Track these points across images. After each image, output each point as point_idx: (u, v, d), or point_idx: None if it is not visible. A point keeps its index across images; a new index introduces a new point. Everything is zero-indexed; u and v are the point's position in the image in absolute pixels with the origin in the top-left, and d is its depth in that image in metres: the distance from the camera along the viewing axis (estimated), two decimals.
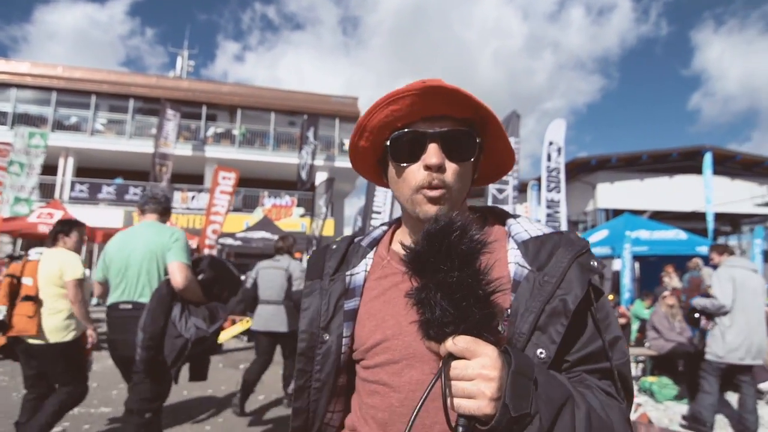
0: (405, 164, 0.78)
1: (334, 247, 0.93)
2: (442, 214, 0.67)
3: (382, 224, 0.97)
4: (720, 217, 22.42)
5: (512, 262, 0.77)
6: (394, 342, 0.77)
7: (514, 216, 0.87)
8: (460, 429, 0.60)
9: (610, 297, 8.67)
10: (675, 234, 10.42)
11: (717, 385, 4.09)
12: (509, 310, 0.72)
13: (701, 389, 4.14)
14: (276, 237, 13.97)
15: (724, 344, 3.90)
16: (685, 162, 20.93)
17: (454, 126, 0.77)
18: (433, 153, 0.74)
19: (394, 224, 0.96)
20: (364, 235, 0.95)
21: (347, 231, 23.40)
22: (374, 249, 0.92)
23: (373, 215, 9.81)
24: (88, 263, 14.19)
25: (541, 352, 0.68)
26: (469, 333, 0.62)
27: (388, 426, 0.75)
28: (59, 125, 18.47)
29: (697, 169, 14.47)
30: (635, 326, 7.79)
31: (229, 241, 13.84)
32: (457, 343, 0.61)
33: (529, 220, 0.85)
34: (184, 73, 24.92)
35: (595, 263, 0.75)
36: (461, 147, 0.77)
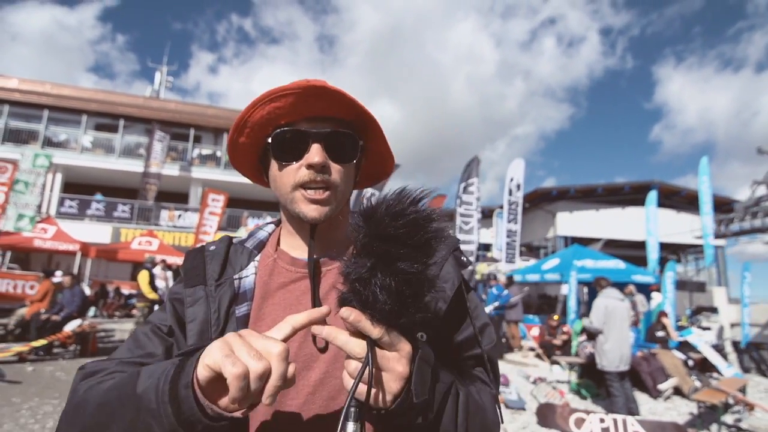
0: (286, 162, 0.76)
1: (213, 248, 0.86)
2: (412, 189, 0.63)
3: (266, 224, 0.94)
4: (666, 247, 24.60)
5: None
6: (287, 345, 0.67)
7: None
8: (353, 410, 0.58)
9: (555, 317, 10.14)
10: (615, 264, 12.04)
11: (622, 388, 5.50)
12: None
13: (611, 395, 5.55)
14: None
15: (605, 357, 5.41)
16: (636, 195, 22.78)
17: (337, 127, 0.76)
18: (316, 152, 0.73)
19: (279, 224, 0.91)
20: (245, 237, 0.91)
21: None
22: (261, 251, 0.87)
23: None
24: (78, 277, 14.85)
25: (422, 335, 0.66)
26: (399, 329, 0.61)
27: None
28: (49, 142, 19.12)
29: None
30: (575, 342, 9.23)
31: None
32: (377, 331, 0.59)
33: None
34: (162, 89, 25.82)
35: (465, 258, 0.81)
36: (344, 148, 0.77)
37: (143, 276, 9.44)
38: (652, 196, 15.65)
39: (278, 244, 0.87)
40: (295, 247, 0.83)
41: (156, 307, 9.90)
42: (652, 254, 15.05)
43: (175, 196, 20.61)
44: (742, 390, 6.73)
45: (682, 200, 24.15)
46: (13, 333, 7.68)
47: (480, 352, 0.79)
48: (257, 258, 0.85)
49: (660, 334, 7.66)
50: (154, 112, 20.35)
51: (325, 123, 0.76)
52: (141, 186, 18.04)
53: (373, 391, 0.59)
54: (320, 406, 0.72)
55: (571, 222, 23.88)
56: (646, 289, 11.67)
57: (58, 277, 8.05)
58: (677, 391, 6.86)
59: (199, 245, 0.90)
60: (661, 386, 6.62)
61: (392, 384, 0.60)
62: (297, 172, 0.75)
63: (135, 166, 18.90)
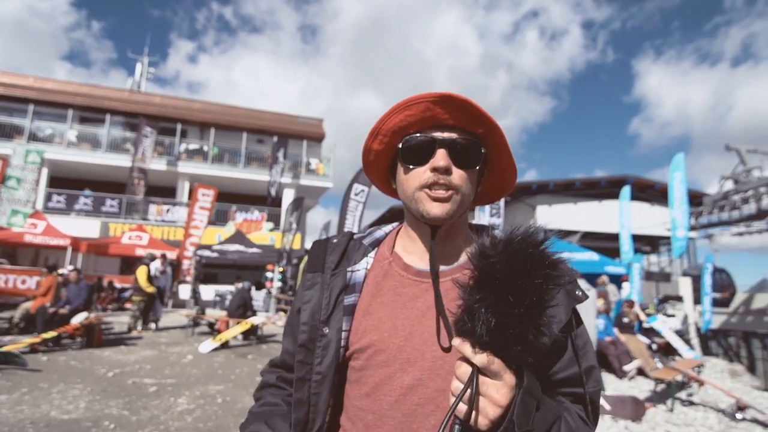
0: (413, 166, 0.82)
1: (335, 241, 0.95)
2: (531, 230, 0.68)
3: (384, 226, 1.00)
4: (641, 239, 25.62)
5: None
6: (388, 344, 0.80)
7: None
8: (457, 428, 0.65)
9: None
10: (589, 256, 12.74)
11: None
12: None
13: None
14: (249, 250, 15.43)
15: None
16: (612, 189, 23.59)
17: (462, 135, 0.81)
18: (441, 157, 0.78)
19: (398, 227, 0.98)
20: (364, 233, 0.97)
21: (310, 241, 24.85)
22: (375, 249, 0.94)
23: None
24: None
25: (529, 360, 0.68)
26: (499, 356, 0.65)
27: (376, 428, 0.78)
28: (34, 137, 19.10)
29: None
30: None
31: (206, 253, 15.13)
32: (482, 358, 0.64)
33: None
34: (143, 81, 25.83)
35: (580, 293, 0.80)
36: (468, 155, 0.81)
37: (142, 271, 9.81)
38: (626, 191, 16.43)
39: (394, 246, 0.93)
40: (411, 253, 0.89)
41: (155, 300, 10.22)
42: (625, 246, 15.87)
43: (162, 190, 20.73)
44: (699, 369, 7.45)
45: (656, 193, 25.08)
46: (18, 326, 8.01)
47: (582, 392, 0.79)
48: (371, 254, 0.93)
49: (626, 320, 8.35)
50: (140, 106, 20.40)
51: (452, 131, 0.81)
52: (129, 181, 18.17)
53: (473, 413, 0.65)
54: (408, 408, 0.76)
55: (550, 215, 24.61)
56: (617, 280, 12.42)
57: (65, 271, 8.38)
58: (641, 373, 7.53)
59: (325, 237, 0.99)
60: (626, 367, 7.28)
61: (489, 410, 0.64)
62: (423, 174, 0.81)
63: (121, 160, 18.98)
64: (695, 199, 22.82)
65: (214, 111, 21.92)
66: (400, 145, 0.84)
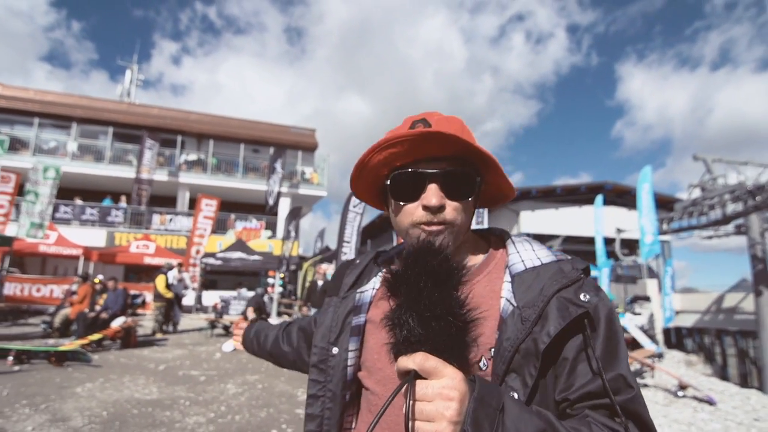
0: (403, 203, 0.79)
1: (357, 262, 0.99)
2: (421, 239, 0.70)
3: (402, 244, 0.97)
4: (620, 242, 27.05)
5: (503, 296, 0.75)
6: (382, 364, 0.80)
7: (516, 240, 0.85)
8: None
9: None
10: None
11: None
12: (493, 349, 0.70)
13: None
14: (251, 257, 16.40)
15: None
16: (592, 194, 24.86)
17: (453, 165, 0.76)
18: (432, 194, 0.75)
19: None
20: (388, 250, 0.99)
21: (304, 247, 25.84)
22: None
23: (344, 244, 12.70)
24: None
25: (514, 395, 0.66)
26: (436, 354, 0.59)
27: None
28: (39, 149, 19.87)
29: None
30: None
31: (210, 260, 16.06)
32: (416, 359, 0.59)
33: (531, 245, 0.83)
34: (133, 88, 26.82)
35: (586, 296, 0.71)
36: (460, 186, 0.77)
37: (161, 279, 10.78)
38: (599, 199, 17.80)
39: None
40: None
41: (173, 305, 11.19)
42: (600, 250, 17.24)
43: (163, 200, 21.59)
44: (657, 359, 8.70)
45: (633, 198, 26.50)
46: (58, 330, 8.95)
47: (610, 402, 0.65)
48: (379, 273, 0.92)
49: None
50: (139, 118, 21.26)
51: (440, 162, 0.77)
52: (134, 191, 19.05)
53: (429, 424, 0.56)
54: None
55: (533, 220, 25.93)
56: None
57: (101, 280, 9.39)
58: None
59: (350, 258, 1.04)
60: None
61: (443, 410, 0.56)
62: (415, 211, 0.77)
63: (124, 171, 19.86)
64: (668, 204, 24.32)
65: (210, 122, 22.84)
66: (388, 182, 0.81)
